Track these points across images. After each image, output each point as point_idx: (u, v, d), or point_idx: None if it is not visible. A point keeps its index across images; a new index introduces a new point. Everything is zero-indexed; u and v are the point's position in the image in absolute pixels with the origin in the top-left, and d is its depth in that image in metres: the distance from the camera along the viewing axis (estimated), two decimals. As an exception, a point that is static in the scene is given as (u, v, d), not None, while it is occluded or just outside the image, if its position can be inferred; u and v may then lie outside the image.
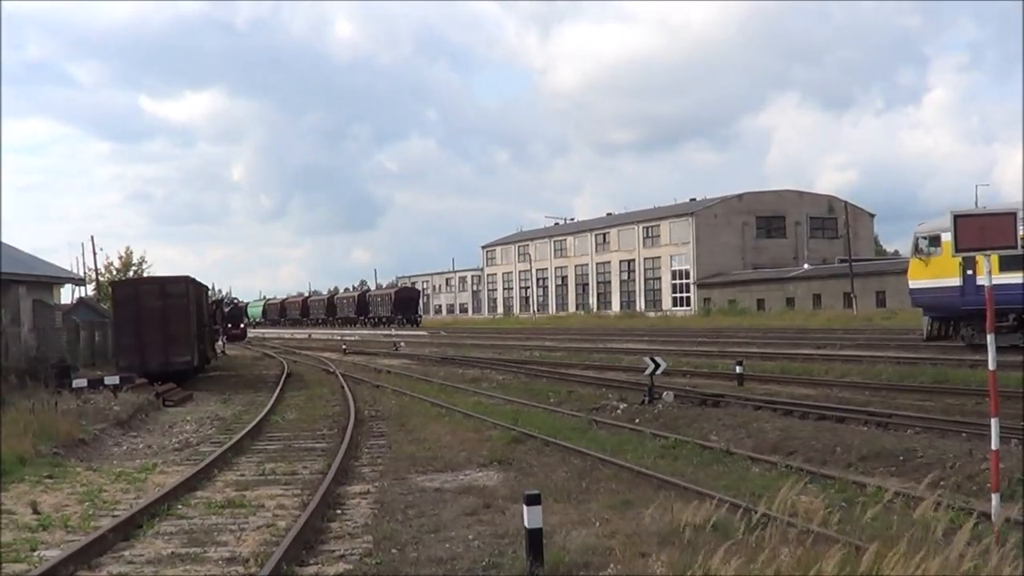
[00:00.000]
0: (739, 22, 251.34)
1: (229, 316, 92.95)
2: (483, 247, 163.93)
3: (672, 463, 15.80)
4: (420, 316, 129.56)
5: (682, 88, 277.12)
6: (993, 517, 9.04)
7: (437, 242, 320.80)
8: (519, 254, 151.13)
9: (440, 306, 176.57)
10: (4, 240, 37.58)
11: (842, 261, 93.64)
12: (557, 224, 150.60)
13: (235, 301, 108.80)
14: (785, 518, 9.33)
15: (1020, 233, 9.54)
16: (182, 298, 36.76)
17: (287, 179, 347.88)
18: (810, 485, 13.00)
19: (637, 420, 21.51)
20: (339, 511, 12.90)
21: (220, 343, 72.04)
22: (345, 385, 32.98)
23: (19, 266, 34.17)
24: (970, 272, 32.69)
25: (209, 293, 61.10)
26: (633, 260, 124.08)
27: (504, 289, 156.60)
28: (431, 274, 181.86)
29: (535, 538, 9.24)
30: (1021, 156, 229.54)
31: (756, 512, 9.52)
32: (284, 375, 40.36)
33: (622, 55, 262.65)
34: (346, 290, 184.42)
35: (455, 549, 10.40)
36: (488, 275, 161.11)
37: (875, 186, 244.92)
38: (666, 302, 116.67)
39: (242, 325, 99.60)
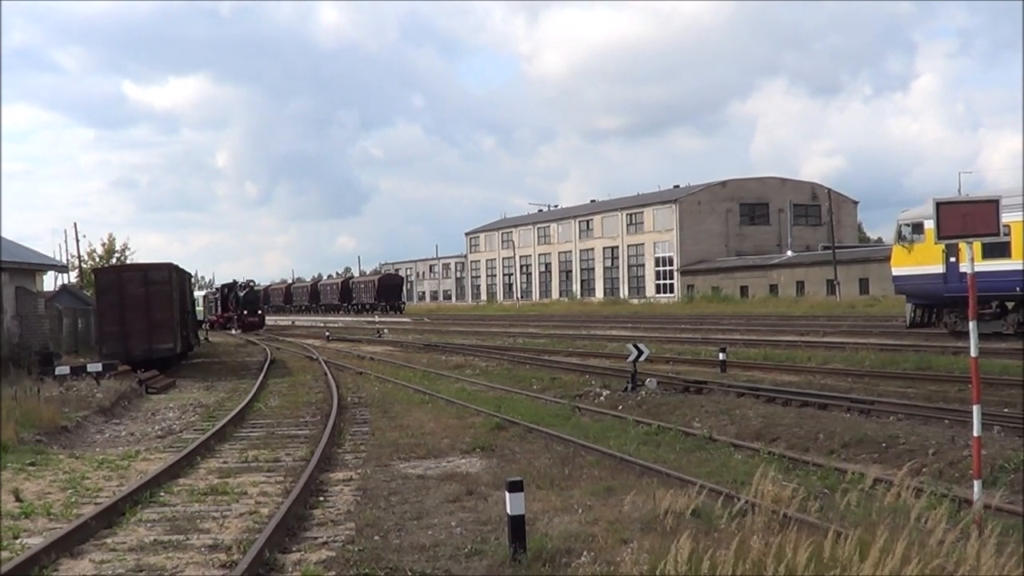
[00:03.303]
0: (729, 8, 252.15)
1: (244, 302, 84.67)
2: (467, 234, 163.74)
3: (655, 450, 15.83)
4: (404, 303, 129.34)
5: (670, 74, 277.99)
6: (975, 504, 9.07)
7: (421, 229, 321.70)
8: (503, 241, 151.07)
9: (424, 293, 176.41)
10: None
11: (825, 248, 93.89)
12: (541, 211, 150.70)
13: (251, 284, 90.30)
14: (763, 503, 9.35)
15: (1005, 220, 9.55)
16: (165, 285, 36.64)
17: (272, 166, 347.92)
18: (792, 472, 13.07)
19: (620, 407, 21.53)
20: (322, 498, 12.90)
21: (204, 331, 70.77)
22: (328, 372, 32.97)
23: (1, 253, 33.96)
24: (953, 259, 32.81)
25: (192, 280, 60.65)
26: (617, 247, 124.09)
27: (488, 276, 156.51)
28: (415, 261, 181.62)
29: (517, 525, 9.25)
30: (1008, 143, 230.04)
31: (737, 499, 9.55)
32: (267, 362, 40.30)
33: (610, 41, 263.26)
34: (329, 277, 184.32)
35: (438, 536, 10.42)
36: (472, 262, 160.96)
37: (861, 173, 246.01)
38: (649, 289, 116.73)
39: (259, 312, 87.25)
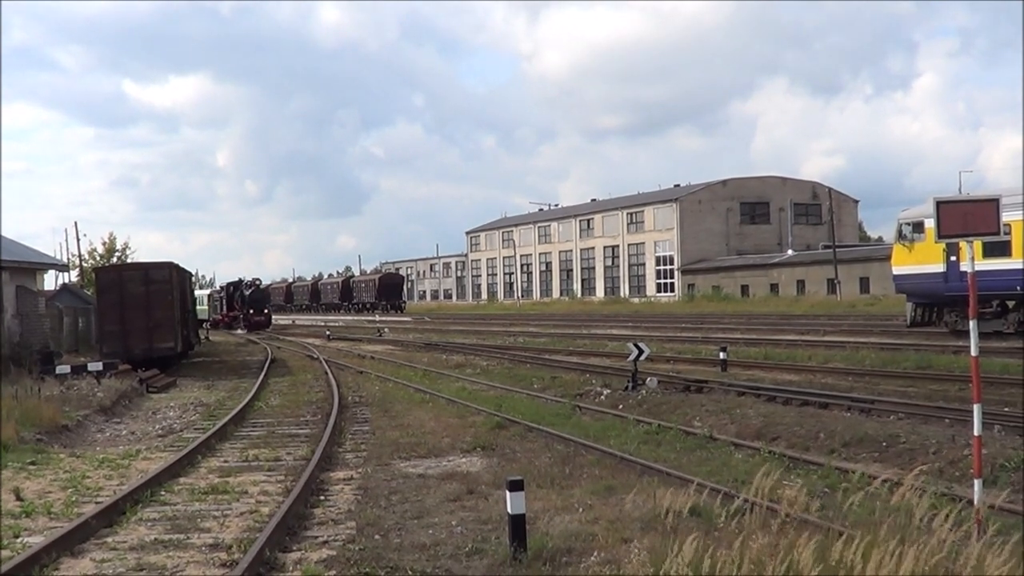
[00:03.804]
0: (729, 7, 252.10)
1: (250, 301, 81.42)
2: (467, 233, 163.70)
3: (655, 449, 15.82)
4: (404, 302, 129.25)
5: (671, 73, 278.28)
6: (975, 503, 9.07)
7: (422, 228, 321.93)
8: (503, 240, 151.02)
9: (424, 292, 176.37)
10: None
11: (826, 247, 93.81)
12: (541, 210, 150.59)
13: (257, 283, 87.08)
14: (765, 503, 9.34)
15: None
16: (165, 284, 36.66)
17: (273, 165, 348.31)
18: (793, 471, 13.06)
19: (621, 406, 21.52)
20: (322, 497, 12.90)
21: (205, 330, 70.23)
22: (329, 371, 32.97)
23: (1, 252, 33.96)
24: (953, 258, 32.80)
25: (193, 279, 60.50)
26: (617, 246, 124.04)
27: (488, 275, 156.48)
28: (415, 260, 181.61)
29: (518, 524, 9.25)
30: (1008, 142, 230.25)
31: (737, 498, 9.53)
32: (268, 361, 40.29)
33: (611, 40, 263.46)
34: (330, 276, 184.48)
35: (438, 535, 10.41)
36: (472, 261, 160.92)
37: (861, 172, 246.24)
38: (650, 288, 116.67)
39: (266, 311, 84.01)
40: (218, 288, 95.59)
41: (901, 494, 8.97)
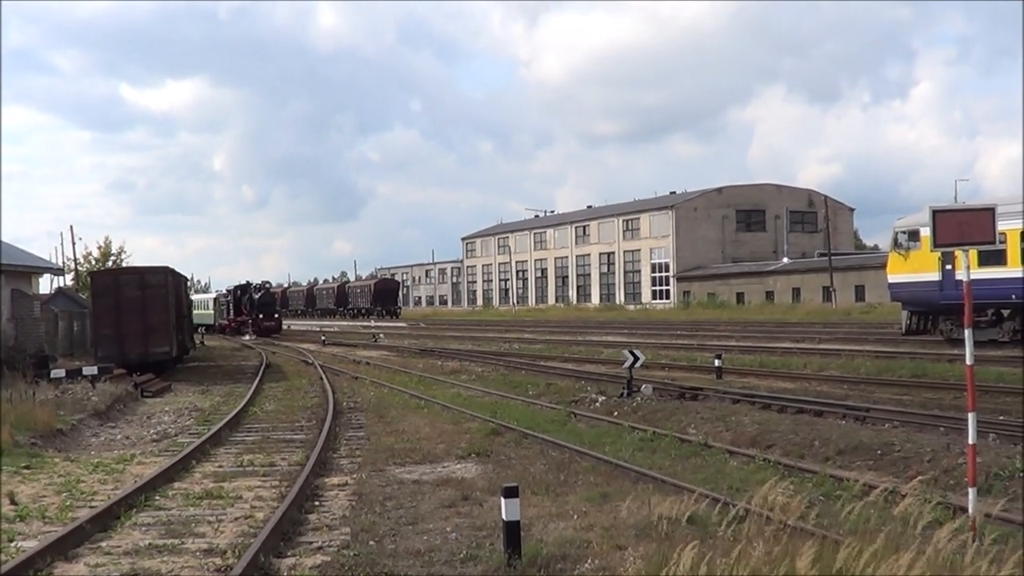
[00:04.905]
0: (728, 13, 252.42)
1: (259, 305, 78.16)
2: (463, 239, 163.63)
3: (650, 456, 15.82)
4: (399, 308, 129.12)
5: (669, 79, 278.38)
6: (970, 511, 9.07)
7: (418, 233, 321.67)
8: (499, 246, 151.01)
9: (420, 298, 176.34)
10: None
11: (821, 255, 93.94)
12: (537, 216, 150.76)
13: (266, 286, 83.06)
14: (764, 512, 9.35)
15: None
16: (161, 288, 36.66)
17: (269, 169, 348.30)
18: (788, 478, 13.06)
19: (616, 413, 21.51)
20: (317, 502, 12.90)
21: (200, 335, 69.87)
22: (324, 376, 32.95)
23: (-3, 255, 33.93)
24: (949, 267, 32.82)
25: (188, 284, 60.34)
26: (613, 253, 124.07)
27: (484, 281, 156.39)
28: (411, 266, 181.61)
29: (513, 530, 9.25)
30: (1006, 150, 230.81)
31: (734, 506, 9.54)
32: (263, 366, 40.24)
33: (609, 45, 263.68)
34: (325, 281, 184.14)
35: (433, 541, 10.41)
36: (468, 267, 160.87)
37: (858, 180, 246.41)
38: (646, 295, 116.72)
39: (276, 315, 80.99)
40: (224, 292, 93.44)
41: (904, 506, 8.98)
